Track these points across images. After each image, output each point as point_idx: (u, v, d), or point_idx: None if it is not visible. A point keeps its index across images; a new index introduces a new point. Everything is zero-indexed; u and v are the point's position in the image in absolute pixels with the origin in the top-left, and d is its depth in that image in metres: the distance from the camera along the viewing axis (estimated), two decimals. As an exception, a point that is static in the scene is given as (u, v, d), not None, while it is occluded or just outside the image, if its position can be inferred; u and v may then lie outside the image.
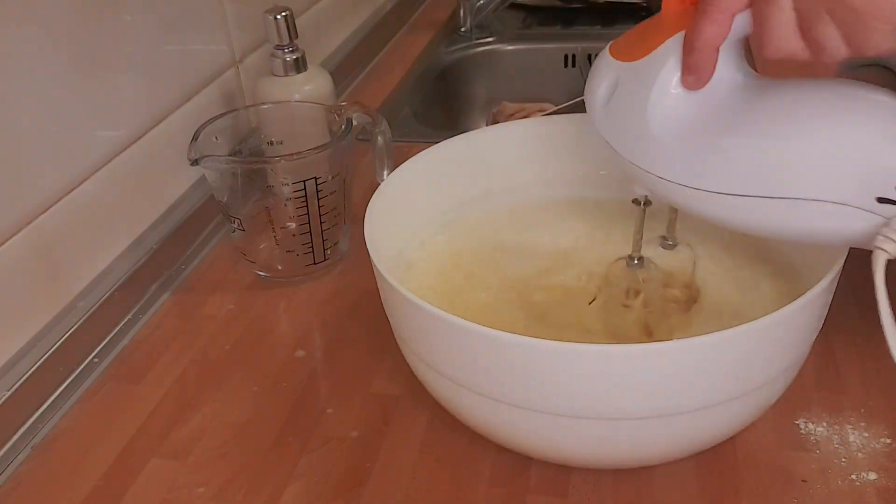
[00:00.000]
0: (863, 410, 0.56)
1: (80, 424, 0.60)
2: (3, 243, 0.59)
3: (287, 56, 0.78)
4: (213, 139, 0.70)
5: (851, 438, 0.54)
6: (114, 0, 0.68)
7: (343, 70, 1.05)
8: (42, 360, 0.61)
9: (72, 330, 0.63)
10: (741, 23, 0.44)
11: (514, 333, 0.44)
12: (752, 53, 0.48)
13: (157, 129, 0.74)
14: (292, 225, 0.70)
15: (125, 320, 0.69)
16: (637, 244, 0.57)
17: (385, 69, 1.13)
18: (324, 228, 0.70)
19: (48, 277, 0.64)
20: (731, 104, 0.47)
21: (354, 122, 0.70)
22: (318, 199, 0.69)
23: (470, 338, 0.46)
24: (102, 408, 0.61)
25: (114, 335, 0.67)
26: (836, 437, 0.54)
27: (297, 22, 0.78)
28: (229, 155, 0.72)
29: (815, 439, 0.54)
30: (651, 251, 0.58)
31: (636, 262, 0.57)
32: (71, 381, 0.63)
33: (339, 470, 0.54)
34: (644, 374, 0.45)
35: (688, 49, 0.46)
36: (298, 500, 0.53)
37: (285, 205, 0.69)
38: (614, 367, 0.44)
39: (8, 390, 0.58)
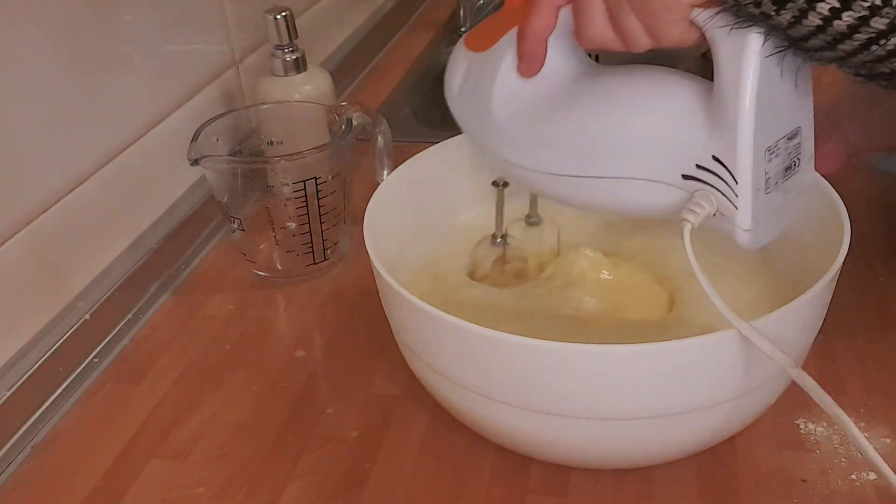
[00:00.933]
0: (863, 410, 0.56)
1: (80, 424, 0.60)
2: (3, 243, 0.59)
3: (287, 56, 0.78)
4: (213, 139, 0.70)
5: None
6: (114, 0, 0.68)
7: (343, 70, 1.05)
8: (42, 360, 0.61)
9: (72, 330, 0.63)
10: (565, 16, 0.48)
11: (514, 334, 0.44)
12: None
13: (157, 129, 0.74)
14: (292, 225, 0.70)
15: (125, 320, 0.69)
16: (499, 223, 0.61)
17: (385, 69, 1.13)
18: (324, 228, 0.70)
19: (48, 277, 0.64)
20: (562, 90, 0.51)
21: (354, 122, 0.70)
22: (318, 199, 0.69)
23: (469, 338, 0.46)
24: (102, 408, 0.61)
25: (114, 335, 0.67)
26: (836, 437, 0.54)
27: (297, 22, 0.78)
28: (229, 155, 0.72)
29: (815, 439, 0.54)
30: (517, 230, 0.63)
31: (499, 240, 0.61)
32: (71, 381, 0.63)
33: (339, 470, 0.54)
34: (644, 374, 0.45)
35: (519, 39, 0.50)
36: (298, 500, 0.53)
37: (285, 205, 0.69)
38: (614, 367, 0.44)
39: (8, 390, 0.58)
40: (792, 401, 0.56)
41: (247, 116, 0.76)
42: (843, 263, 0.48)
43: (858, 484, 0.51)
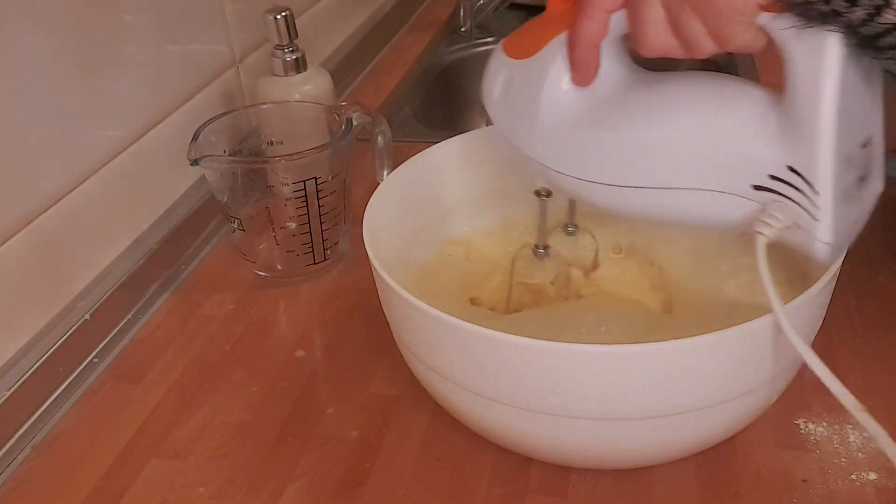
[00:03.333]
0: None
1: (80, 424, 0.60)
2: (3, 243, 0.59)
3: (287, 56, 0.78)
4: (213, 139, 0.70)
5: (851, 438, 0.54)
6: (114, 0, 0.68)
7: (343, 70, 1.05)
8: (42, 360, 0.61)
9: (72, 330, 0.63)
10: (621, 21, 0.46)
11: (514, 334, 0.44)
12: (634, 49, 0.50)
13: (157, 129, 0.74)
14: (292, 225, 0.70)
15: (125, 320, 0.69)
16: (542, 234, 0.60)
17: (385, 69, 1.13)
18: (324, 228, 0.70)
19: (48, 277, 0.64)
20: (615, 99, 0.49)
21: (354, 122, 0.70)
22: (318, 199, 0.69)
23: (469, 338, 0.46)
24: (102, 408, 0.61)
25: (114, 335, 0.67)
26: (836, 437, 0.54)
27: (297, 22, 0.78)
28: (229, 155, 0.72)
29: (815, 439, 0.54)
30: (555, 239, 0.61)
31: (542, 250, 0.60)
32: (71, 381, 0.63)
33: (339, 470, 0.54)
34: (644, 374, 0.45)
35: (571, 47, 0.48)
36: (298, 500, 0.53)
37: (285, 205, 0.69)
38: (614, 367, 0.44)
39: (8, 390, 0.58)
40: (792, 401, 0.56)
41: (247, 116, 0.76)
42: (843, 263, 0.48)
43: (858, 484, 0.51)
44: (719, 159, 0.45)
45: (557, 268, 0.60)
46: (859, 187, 0.45)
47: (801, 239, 0.44)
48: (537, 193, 0.58)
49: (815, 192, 0.42)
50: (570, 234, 0.62)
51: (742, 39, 0.42)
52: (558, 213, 0.61)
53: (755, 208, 0.45)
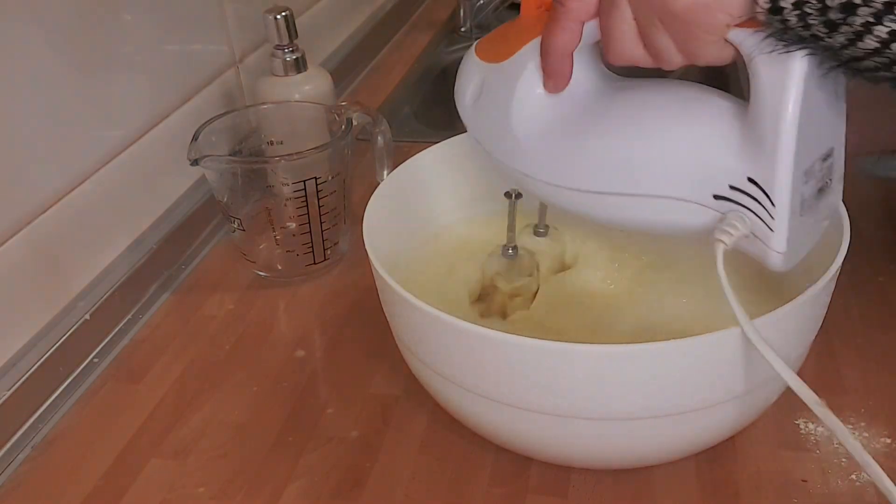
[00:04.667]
0: (863, 410, 0.56)
1: (80, 424, 0.60)
2: (3, 243, 0.59)
3: (287, 56, 0.78)
4: (213, 139, 0.70)
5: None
6: (114, 0, 0.68)
7: (343, 70, 1.05)
8: (42, 360, 0.61)
9: (72, 330, 0.63)
10: (594, 28, 0.46)
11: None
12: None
13: (157, 129, 0.74)
14: (292, 225, 0.70)
15: (125, 320, 0.69)
16: (511, 234, 0.60)
17: (385, 69, 1.13)
18: (324, 228, 0.70)
19: (48, 278, 0.64)
20: (586, 105, 0.49)
21: (354, 122, 0.70)
22: (318, 199, 0.69)
23: (469, 338, 0.46)
24: (102, 408, 0.61)
25: (114, 335, 0.67)
26: (836, 437, 0.54)
27: (297, 22, 0.78)
28: (229, 155, 0.72)
29: (815, 439, 0.54)
30: (525, 239, 0.62)
31: (510, 251, 0.60)
32: (71, 381, 0.63)
33: (339, 470, 0.54)
34: (644, 374, 0.44)
35: (544, 55, 0.48)
36: (298, 500, 0.53)
37: (285, 205, 0.69)
38: (613, 367, 0.44)
39: (8, 390, 0.58)
40: (792, 401, 0.55)
41: (247, 116, 0.76)
42: (843, 263, 0.48)
43: (858, 484, 0.51)
44: (682, 168, 0.46)
45: (529, 266, 0.60)
46: (817, 198, 0.46)
47: (757, 248, 0.45)
48: (507, 195, 0.58)
49: (772, 204, 0.43)
50: (540, 234, 0.62)
51: (710, 54, 0.42)
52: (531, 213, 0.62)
53: (715, 217, 0.46)
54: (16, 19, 0.59)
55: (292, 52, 0.78)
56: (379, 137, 0.73)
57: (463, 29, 1.23)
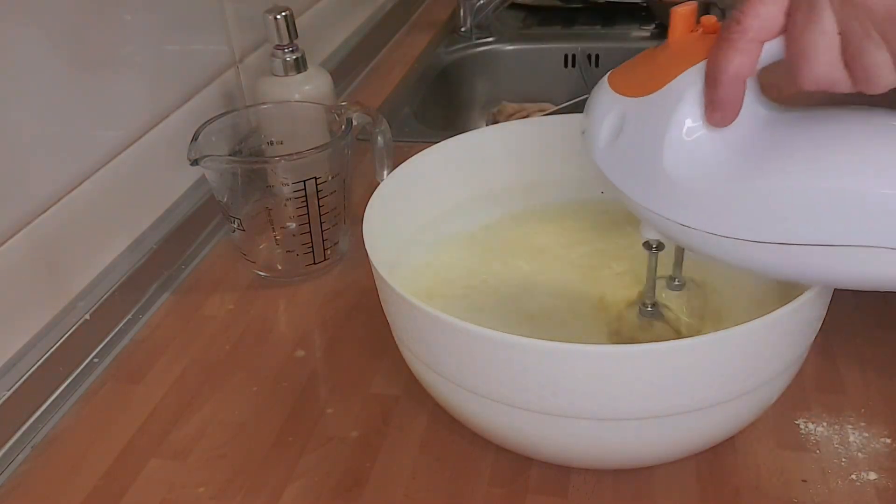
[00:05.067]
0: (863, 410, 0.56)
1: (80, 424, 0.60)
2: (3, 243, 0.59)
3: (287, 56, 0.78)
4: (213, 139, 0.70)
5: (851, 438, 0.54)
6: (114, 0, 0.68)
7: (343, 70, 1.05)
8: (42, 360, 0.61)
9: (72, 330, 0.63)
10: (769, 50, 0.41)
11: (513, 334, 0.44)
12: (783, 81, 0.43)
13: (157, 129, 0.74)
14: (292, 225, 0.70)
15: (125, 320, 0.69)
16: (651, 291, 0.54)
17: (385, 69, 1.14)
18: (324, 228, 0.70)
19: (48, 278, 0.64)
20: (758, 141, 0.43)
21: (354, 122, 0.70)
22: (318, 199, 0.69)
23: (469, 338, 0.46)
24: (102, 408, 0.61)
25: (114, 335, 0.67)
26: (836, 437, 0.54)
27: (297, 22, 0.78)
28: (229, 155, 0.72)
29: (815, 439, 0.54)
30: (659, 292, 0.55)
31: (649, 308, 0.54)
32: (71, 381, 0.63)
33: (339, 470, 0.54)
34: (644, 375, 0.44)
35: (711, 83, 0.42)
36: (298, 500, 0.53)
37: (285, 205, 0.69)
38: (613, 367, 0.44)
39: (8, 390, 0.58)
40: (792, 401, 0.56)
41: (247, 116, 0.76)
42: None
43: (858, 484, 0.51)
44: None
45: (666, 333, 0.54)
46: None
47: None
48: (647, 246, 0.51)
49: None
50: (675, 288, 0.56)
51: None
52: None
53: None
54: (16, 19, 0.59)
55: (292, 52, 0.78)
56: (379, 137, 0.73)
57: (463, 29, 1.23)
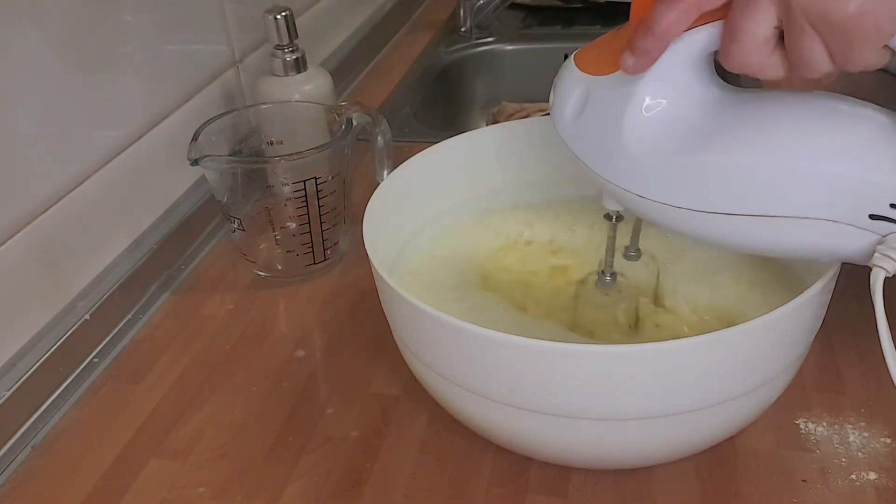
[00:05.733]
0: (863, 410, 0.56)
1: (80, 424, 0.60)
2: (3, 243, 0.59)
3: (287, 56, 0.78)
4: (213, 139, 0.70)
5: (851, 438, 0.54)
6: (114, 0, 0.68)
7: (343, 70, 1.05)
8: (42, 360, 0.61)
9: (72, 330, 0.63)
10: (711, 36, 0.43)
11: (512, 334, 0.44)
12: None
13: (157, 129, 0.74)
14: (292, 225, 0.70)
15: (125, 320, 0.69)
16: (609, 260, 0.56)
17: (385, 69, 1.13)
18: (324, 228, 0.70)
19: (48, 277, 0.64)
20: (711, 119, 0.46)
21: (354, 122, 0.70)
22: (318, 199, 0.69)
23: (469, 338, 0.46)
24: (102, 408, 0.61)
25: (114, 335, 0.67)
26: (836, 437, 0.54)
27: (297, 22, 0.78)
28: (229, 155, 0.72)
29: (815, 439, 0.54)
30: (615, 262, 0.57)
31: (608, 278, 0.57)
32: (71, 381, 0.63)
33: (339, 470, 0.54)
34: (643, 375, 0.45)
35: (642, 30, 0.44)
36: (298, 500, 0.53)
37: (285, 205, 0.69)
38: (613, 367, 0.44)
39: (8, 390, 0.58)
40: (792, 401, 0.56)
41: (247, 116, 0.76)
42: (843, 263, 0.48)
43: (858, 484, 0.51)
44: (833, 186, 0.43)
45: (625, 298, 0.56)
46: None
47: None
48: (608, 217, 0.54)
49: None
50: (631, 258, 0.58)
51: (866, 61, 0.40)
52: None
53: (871, 239, 0.43)
54: (16, 19, 0.59)
55: (292, 52, 0.78)
56: (379, 137, 0.73)
57: (463, 29, 1.23)
